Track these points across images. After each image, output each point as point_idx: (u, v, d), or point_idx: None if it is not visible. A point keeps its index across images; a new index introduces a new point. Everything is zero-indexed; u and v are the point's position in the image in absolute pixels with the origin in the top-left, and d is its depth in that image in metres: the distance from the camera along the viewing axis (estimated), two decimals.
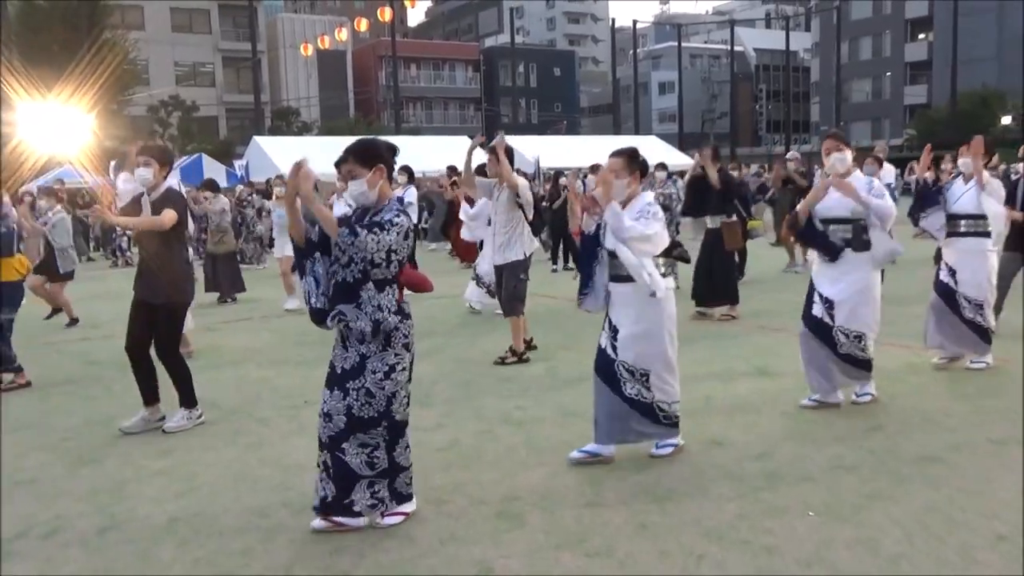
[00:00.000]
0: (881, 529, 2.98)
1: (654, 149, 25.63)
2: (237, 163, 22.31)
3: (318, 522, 3.07)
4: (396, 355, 2.98)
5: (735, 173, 9.33)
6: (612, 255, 3.63)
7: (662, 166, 10.33)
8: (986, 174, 5.16)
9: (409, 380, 3.09)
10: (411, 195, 9.72)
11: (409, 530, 3.10)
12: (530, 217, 5.79)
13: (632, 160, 3.68)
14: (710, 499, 3.28)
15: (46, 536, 3.18)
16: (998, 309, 6.15)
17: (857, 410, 4.41)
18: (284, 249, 8.57)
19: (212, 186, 10.20)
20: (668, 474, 3.57)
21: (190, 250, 5.10)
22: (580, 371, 5.26)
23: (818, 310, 4.42)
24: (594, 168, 10.61)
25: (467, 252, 11.45)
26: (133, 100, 29.75)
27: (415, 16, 68.21)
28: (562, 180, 11.88)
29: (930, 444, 3.85)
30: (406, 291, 3.13)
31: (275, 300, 9.14)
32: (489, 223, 6.46)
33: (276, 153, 21.01)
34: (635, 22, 42.05)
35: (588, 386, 5.02)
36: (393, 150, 3.12)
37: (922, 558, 2.77)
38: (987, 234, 5.14)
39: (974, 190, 5.12)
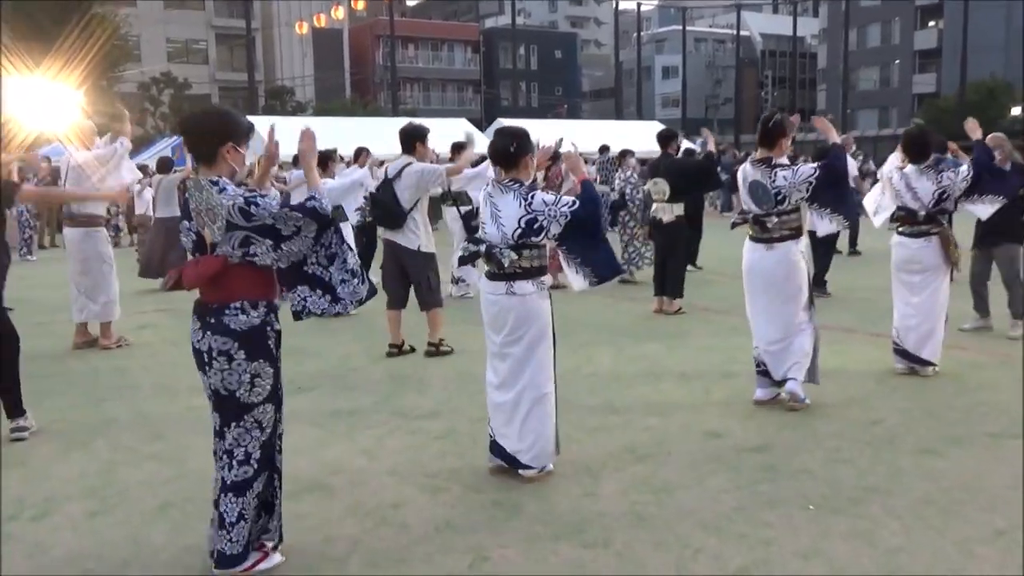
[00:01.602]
0: (879, 522, 2.96)
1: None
2: None
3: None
4: None
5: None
6: None
7: (629, 152, 9.94)
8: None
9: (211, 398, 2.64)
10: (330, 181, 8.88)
11: (404, 517, 3.08)
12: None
13: None
14: (708, 491, 3.27)
15: (36, 519, 3.14)
16: (983, 308, 6.09)
17: (856, 404, 4.40)
18: None
19: (163, 165, 9.69)
20: (666, 466, 3.55)
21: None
22: (574, 362, 5.25)
23: None
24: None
25: None
26: (123, 77, 29.34)
27: None
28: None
29: (928, 438, 3.83)
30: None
31: None
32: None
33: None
34: (639, 4, 41.35)
35: (582, 377, 5.01)
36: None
37: (920, 551, 2.75)
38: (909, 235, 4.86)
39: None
